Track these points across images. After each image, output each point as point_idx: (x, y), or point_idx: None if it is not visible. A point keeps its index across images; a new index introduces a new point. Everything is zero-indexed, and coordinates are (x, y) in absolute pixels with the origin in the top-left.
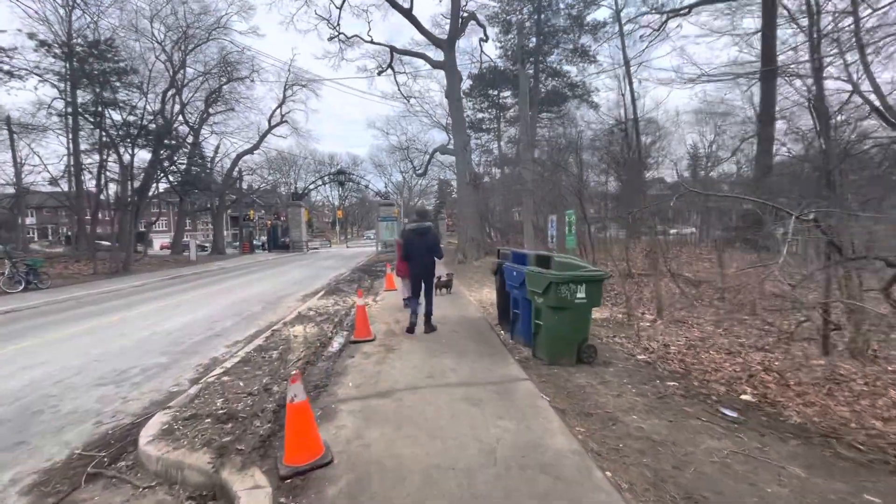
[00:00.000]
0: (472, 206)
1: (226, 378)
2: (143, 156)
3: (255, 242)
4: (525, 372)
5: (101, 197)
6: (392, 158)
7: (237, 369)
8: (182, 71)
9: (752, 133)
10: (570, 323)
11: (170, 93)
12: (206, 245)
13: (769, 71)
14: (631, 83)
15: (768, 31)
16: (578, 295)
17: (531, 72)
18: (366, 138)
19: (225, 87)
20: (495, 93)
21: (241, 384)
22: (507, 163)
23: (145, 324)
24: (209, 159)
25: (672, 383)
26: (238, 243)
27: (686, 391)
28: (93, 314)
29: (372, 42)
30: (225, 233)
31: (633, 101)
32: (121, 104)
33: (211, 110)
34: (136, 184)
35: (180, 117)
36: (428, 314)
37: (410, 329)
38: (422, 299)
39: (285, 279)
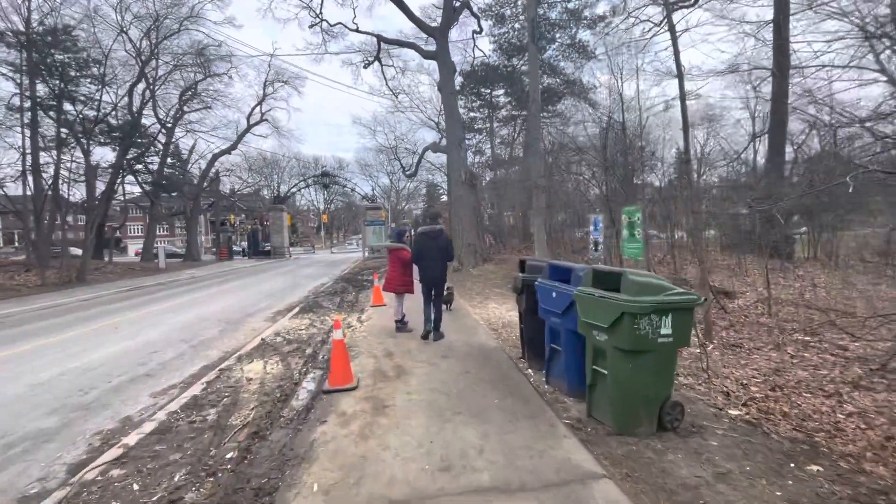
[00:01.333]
0: (469, 209)
1: (116, 473)
2: (112, 156)
3: (234, 248)
4: (589, 451)
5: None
6: (379, 159)
7: (144, 450)
8: (154, 63)
9: (751, 135)
10: (651, 372)
11: (140, 88)
12: (180, 252)
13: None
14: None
15: (782, 23)
16: (663, 331)
17: (526, 69)
18: (352, 142)
19: (201, 83)
20: (488, 91)
21: (136, 488)
22: (501, 164)
23: (61, 356)
24: (183, 160)
25: (813, 467)
26: (216, 249)
27: (845, 484)
28: (1, 342)
29: (357, 31)
30: (202, 238)
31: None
32: (81, 98)
33: (186, 108)
34: (101, 185)
35: (152, 114)
36: (437, 320)
37: (425, 336)
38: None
39: (258, 291)
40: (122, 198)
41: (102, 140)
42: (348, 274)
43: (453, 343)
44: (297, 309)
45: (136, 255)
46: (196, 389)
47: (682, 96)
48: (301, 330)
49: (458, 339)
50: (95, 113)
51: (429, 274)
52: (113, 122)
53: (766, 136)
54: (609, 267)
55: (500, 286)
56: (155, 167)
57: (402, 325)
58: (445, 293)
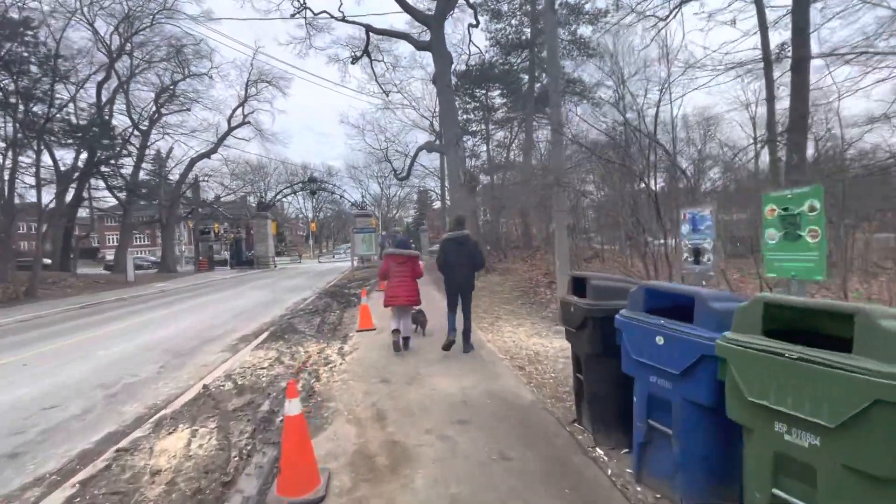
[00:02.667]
0: (468, 213)
1: None
2: (69, 158)
3: (218, 258)
4: None
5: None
6: (369, 161)
7: None
8: (129, 62)
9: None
10: None
11: (112, 86)
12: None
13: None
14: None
15: (798, 15)
16: None
17: (527, 64)
18: (342, 150)
19: (181, 83)
20: (483, 92)
21: None
22: (497, 169)
23: None
24: (162, 165)
25: None
26: (197, 259)
27: None
28: None
29: (344, 20)
30: (182, 248)
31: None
32: (41, 95)
33: (164, 110)
34: (61, 188)
35: (125, 115)
36: (467, 331)
37: (447, 347)
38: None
39: (229, 308)
40: (93, 205)
41: (64, 141)
42: (334, 286)
43: (470, 394)
44: (266, 334)
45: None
46: (60, 498)
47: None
48: (262, 368)
49: (475, 384)
50: (55, 111)
51: (457, 281)
52: (78, 122)
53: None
54: (802, 299)
55: (511, 301)
56: (129, 171)
57: (404, 342)
58: (416, 314)
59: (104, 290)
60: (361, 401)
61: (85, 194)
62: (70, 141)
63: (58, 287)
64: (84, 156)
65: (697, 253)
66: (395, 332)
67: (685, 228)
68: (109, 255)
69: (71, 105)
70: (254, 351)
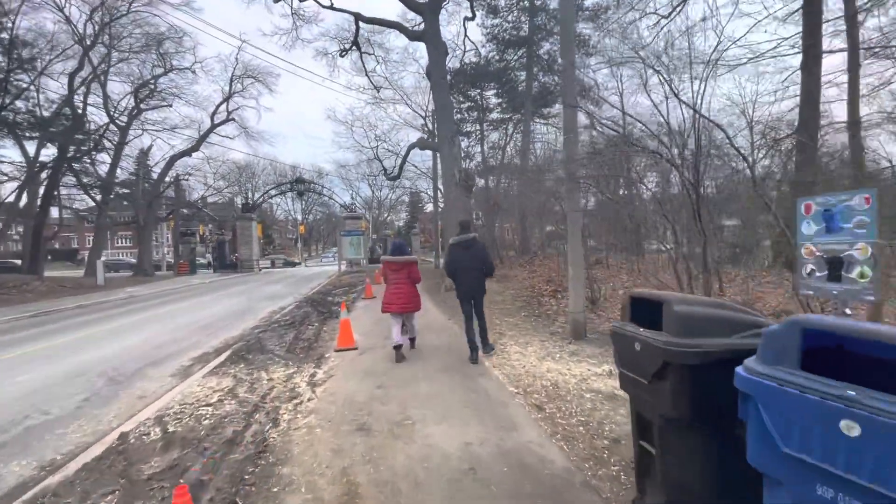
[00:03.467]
0: (464, 213)
1: None
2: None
3: (201, 261)
4: None
5: None
6: (359, 160)
7: None
8: (107, 53)
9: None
10: None
11: (85, 77)
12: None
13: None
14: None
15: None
16: None
17: (524, 60)
18: (331, 151)
19: (162, 78)
20: (477, 92)
21: None
22: (492, 171)
23: None
24: (139, 163)
25: None
26: (177, 262)
27: None
28: None
29: (332, 7)
30: (165, 250)
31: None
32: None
33: (143, 105)
34: (33, 186)
35: (101, 109)
36: (483, 332)
37: (475, 360)
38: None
39: (196, 318)
40: (71, 205)
41: (29, 133)
42: (317, 293)
43: (479, 454)
44: (227, 353)
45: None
46: None
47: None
48: (208, 405)
49: (484, 437)
50: (9, 99)
51: (469, 285)
52: (41, 113)
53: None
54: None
55: (513, 313)
56: (101, 169)
57: (411, 342)
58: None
59: (69, 295)
60: (328, 464)
61: (64, 192)
62: (36, 134)
63: (18, 292)
64: (52, 151)
65: (836, 265)
66: (397, 347)
67: (810, 227)
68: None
69: (40, 97)
70: (206, 377)
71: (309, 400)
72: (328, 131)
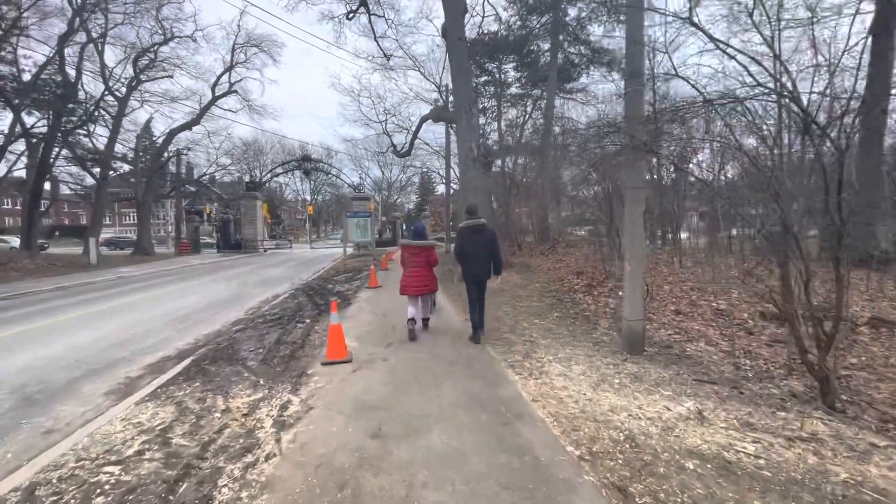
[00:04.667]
0: (482, 194)
1: None
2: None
3: (205, 240)
4: None
5: None
6: (367, 135)
7: None
8: (104, 19)
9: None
10: None
11: (78, 42)
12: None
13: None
14: None
15: None
16: None
17: (549, 27)
18: (338, 124)
19: (162, 48)
20: (494, 65)
21: None
22: (509, 151)
23: None
24: (138, 138)
25: None
26: (178, 240)
27: None
28: None
29: None
30: (170, 228)
31: None
32: None
33: (143, 76)
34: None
35: (91, 79)
36: (482, 317)
37: (477, 340)
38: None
39: (174, 307)
40: (69, 179)
41: (15, 102)
42: (318, 279)
43: None
44: (189, 361)
45: (101, 245)
46: None
47: None
48: (118, 463)
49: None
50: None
51: (476, 270)
52: (33, 80)
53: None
54: None
55: (543, 314)
56: (100, 142)
57: (424, 323)
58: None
59: (58, 274)
60: None
61: (64, 168)
62: (16, 101)
63: (4, 269)
64: (33, 121)
65: None
66: (411, 321)
67: None
68: (103, 234)
69: (29, 62)
70: (145, 403)
71: (268, 458)
72: (334, 104)
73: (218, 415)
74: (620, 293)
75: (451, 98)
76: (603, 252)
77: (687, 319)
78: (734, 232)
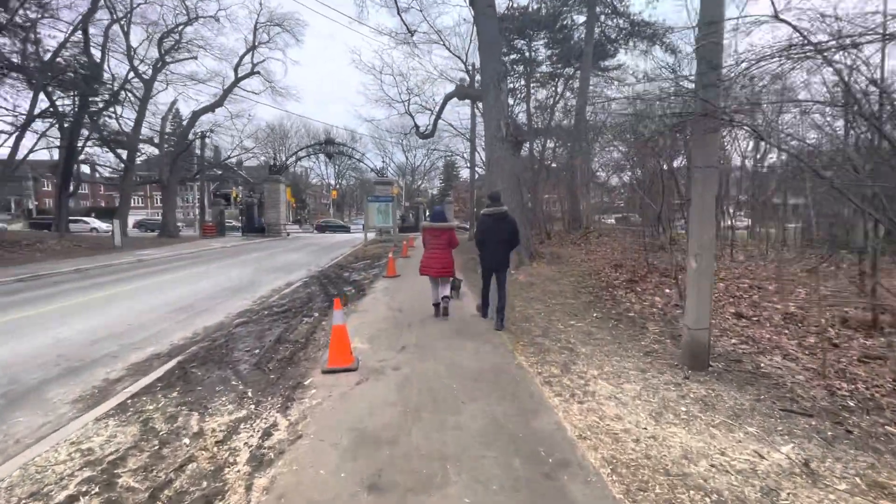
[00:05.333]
0: (510, 178)
1: None
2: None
3: (231, 223)
4: None
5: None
6: (388, 114)
7: None
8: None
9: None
10: None
11: (100, 21)
12: (178, 225)
13: None
14: None
15: None
16: None
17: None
18: (360, 104)
19: (187, 28)
20: (524, 43)
21: None
22: (539, 134)
23: None
24: (163, 119)
25: None
26: (202, 223)
27: None
28: None
29: None
30: (194, 211)
31: None
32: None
33: (168, 58)
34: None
35: (117, 62)
36: (502, 308)
37: (484, 315)
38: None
39: (182, 294)
40: (98, 161)
41: (37, 81)
42: (335, 266)
43: None
44: (174, 362)
45: (133, 227)
46: None
47: None
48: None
49: None
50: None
51: (495, 258)
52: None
53: None
54: None
55: (579, 313)
56: (120, 124)
57: (444, 309)
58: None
59: (82, 255)
60: None
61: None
62: (37, 80)
63: (31, 250)
64: (58, 102)
65: None
66: (436, 305)
67: None
68: (132, 217)
69: (53, 42)
70: (104, 420)
71: (267, 474)
72: (357, 85)
73: (187, 441)
74: (668, 290)
75: (477, 78)
76: (646, 243)
77: (752, 325)
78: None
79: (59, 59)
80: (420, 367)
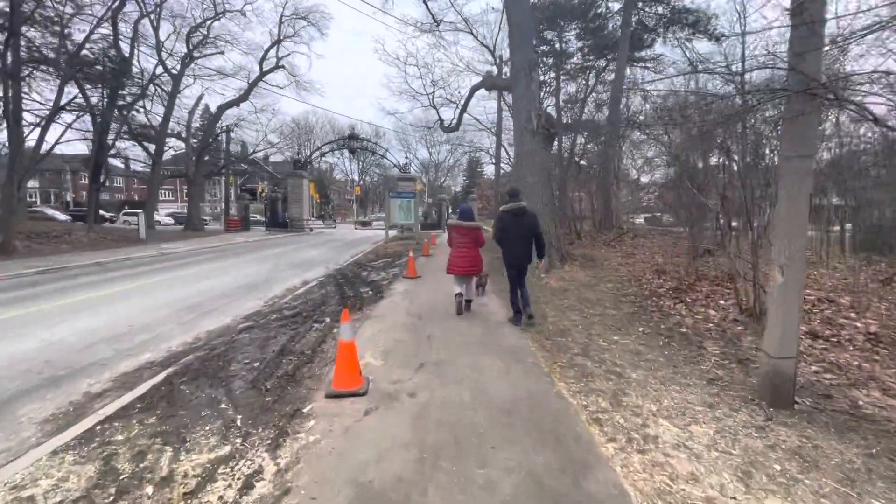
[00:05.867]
0: (541, 173)
1: None
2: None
3: (256, 218)
4: None
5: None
6: (412, 107)
7: None
8: None
9: None
10: None
11: (131, 15)
12: (204, 219)
13: None
14: None
15: None
16: None
17: None
18: (383, 97)
19: (214, 24)
20: (554, 34)
21: None
22: (569, 129)
23: None
24: (189, 113)
25: None
26: (227, 218)
27: None
28: None
29: None
30: (221, 205)
31: None
32: (44, 20)
33: (196, 53)
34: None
35: (146, 54)
36: (526, 301)
37: (517, 322)
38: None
39: (192, 292)
40: (123, 156)
41: (64, 73)
42: (354, 264)
43: None
44: (162, 376)
45: (167, 216)
46: None
47: None
48: None
49: None
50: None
51: (516, 254)
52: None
53: None
54: None
55: (622, 327)
56: (148, 118)
57: (467, 304)
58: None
59: (105, 248)
60: None
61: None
62: (61, 72)
63: (59, 241)
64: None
65: None
66: (458, 294)
67: None
68: (163, 209)
69: (80, 36)
70: (62, 455)
71: None
72: (380, 75)
73: (149, 490)
74: (722, 301)
75: (505, 70)
76: (694, 247)
77: (832, 347)
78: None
79: (85, 52)
80: (440, 393)
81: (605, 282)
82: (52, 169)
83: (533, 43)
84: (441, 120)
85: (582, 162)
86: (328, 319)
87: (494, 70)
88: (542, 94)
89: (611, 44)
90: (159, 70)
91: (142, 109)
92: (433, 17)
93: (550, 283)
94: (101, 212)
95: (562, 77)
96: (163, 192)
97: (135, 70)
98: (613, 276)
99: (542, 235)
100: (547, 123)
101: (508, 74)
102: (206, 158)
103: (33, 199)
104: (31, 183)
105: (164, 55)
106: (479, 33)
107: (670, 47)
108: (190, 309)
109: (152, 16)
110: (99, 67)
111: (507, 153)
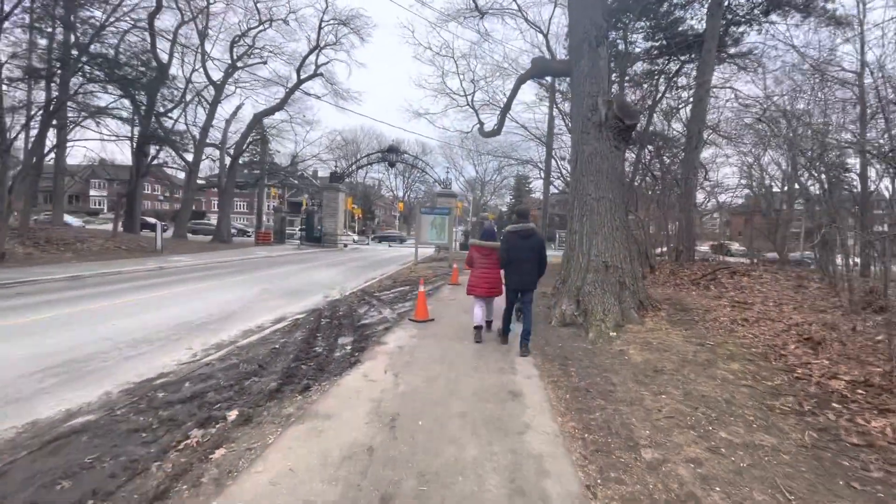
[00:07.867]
0: (609, 181)
1: None
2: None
3: (292, 231)
4: None
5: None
6: (449, 106)
7: None
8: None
9: None
10: None
11: (168, 22)
12: (248, 231)
13: None
14: None
15: None
16: None
17: None
18: (419, 98)
19: (259, 34)
20: (618, 34)
21: None
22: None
23: None
24: (227, 124)
25: None
26: (258, 230)
27: None
28: None
29: None
30: (262, 218)
31: None
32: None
33: (239, 63)
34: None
35: (188, 63)
36: (526, 333)
37: (504, 341)
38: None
39: (133, 324)
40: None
41: (94, 75)
42: (359, 293)
43: None
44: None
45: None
46: None
47: None
48: None
49: None
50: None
51: (521, 278)
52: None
53: None
54: None
55: (793, 466)
56: (188, 127)
57: (487, 325)
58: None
59: (112, 258)
60: None
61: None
62: (112, 80)
63: (66, 250)
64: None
65: None
66: (477, 327)
67: None
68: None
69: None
70: None
71: None
72: (425, 92)
73: None
74: None
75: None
76: (852, 299)
77: None
78: None
79: (121, 57)
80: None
81: (722, 357)
82: (120, 179)
83: (600, 8)
84: (481, 123)
85: (655, 173)
86: (273, 401)
87: (547, 56)
88: (612, 76)
89: (688, 43)
90: (195, 77)
91: (181, 118)
92: (476, 6)
93: (629, 352)
94: (148, 219)
95: (625, 83)
96: (214, 201)
97: (174, 78)
98: (732, 345)
99: (546, 258)
100: (621, 113)
101: (567, 51)
102: (245, 171)
103: (100, 206)
104: (95, 192)
105: (207, 64)
106: (530, 16)
107: (768, 37)
108: (92, 357)
109: (196, 21)
110: (133, 71)
111: (560, 166)
